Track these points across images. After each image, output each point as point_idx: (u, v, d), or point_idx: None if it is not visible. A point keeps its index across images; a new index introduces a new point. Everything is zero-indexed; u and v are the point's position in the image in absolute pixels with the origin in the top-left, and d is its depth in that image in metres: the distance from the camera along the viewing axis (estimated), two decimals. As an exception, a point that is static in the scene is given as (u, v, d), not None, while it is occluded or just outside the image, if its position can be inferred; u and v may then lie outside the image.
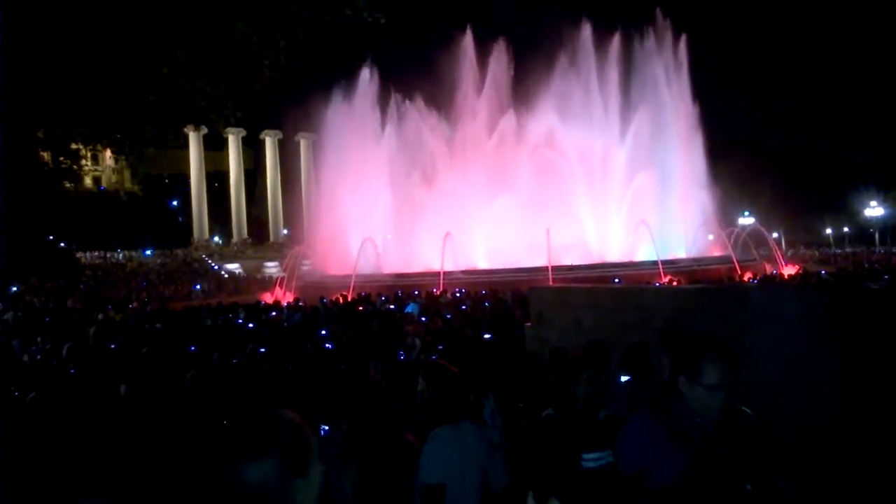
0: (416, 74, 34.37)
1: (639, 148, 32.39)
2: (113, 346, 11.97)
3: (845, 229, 66.43)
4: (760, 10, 53.58)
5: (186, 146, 62.56)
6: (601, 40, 34.07)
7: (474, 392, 4.37)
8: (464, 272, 26.45)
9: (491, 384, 4.81)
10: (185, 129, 60.56)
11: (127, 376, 7.44)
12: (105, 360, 9.55)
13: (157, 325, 15.05)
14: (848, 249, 54.99)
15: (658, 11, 34.18)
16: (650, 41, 34.12)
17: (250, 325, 14.06)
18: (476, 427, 3.59)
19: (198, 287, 39.18)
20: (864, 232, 64.47)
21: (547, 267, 24.76)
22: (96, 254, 54.90)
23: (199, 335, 12.46)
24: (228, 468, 1.58)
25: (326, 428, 6.46)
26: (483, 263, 28.19)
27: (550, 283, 21.01)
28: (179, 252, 56.88)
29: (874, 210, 57.64)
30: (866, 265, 29.12)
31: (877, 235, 62.86)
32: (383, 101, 36.06)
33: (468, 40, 34.50)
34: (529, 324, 9.27)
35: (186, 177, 63.89)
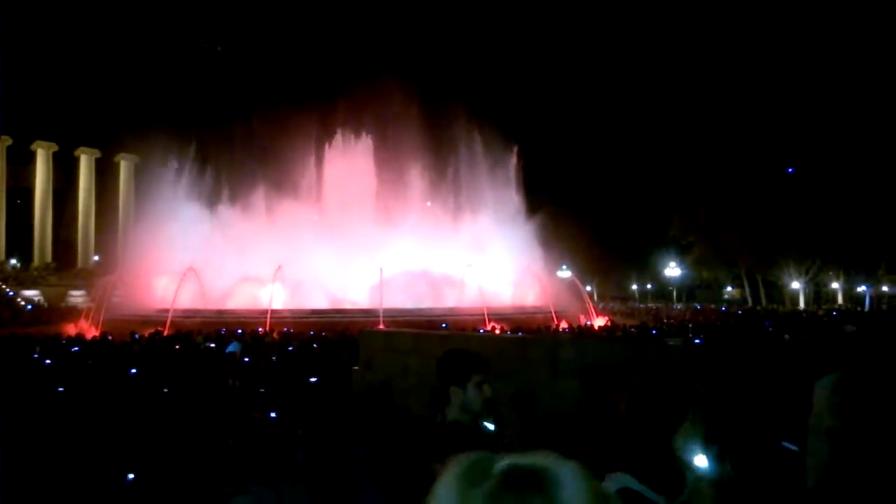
0: (255, 103, 33.90)
1: (469, 207, 34.48)
2: None
3: (649, 286, 73.25)
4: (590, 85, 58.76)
5: (-15, 157, 56.30)
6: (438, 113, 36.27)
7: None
8: (292, 311, 25.80)
9: None
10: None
11: None
12: None
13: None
14: (651, 305, 60.42)
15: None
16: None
17: (47, 360, 12.71)
18: (297, 491, 3.30)
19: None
20: (664, 289, 71.39)
21: (378, 309, 24.83)
22: None
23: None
24: None
25: (132, 476, 5.99)
26: (313, 303, 27.67)
27: (381, 325, 21.09)
28: (-33, 274, 50.48)
29: (673, 270, 64.02)
30: (664, 320, 32.09)
31: (674, 293, 69.82)
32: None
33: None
34: (357, 367, 9.22)
35: (-18, 191, 57.25)
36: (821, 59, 49.16)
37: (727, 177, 53.21)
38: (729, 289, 72.40)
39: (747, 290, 63.30)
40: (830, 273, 59.08)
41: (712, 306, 54.92)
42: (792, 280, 58.13)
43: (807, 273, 56.83)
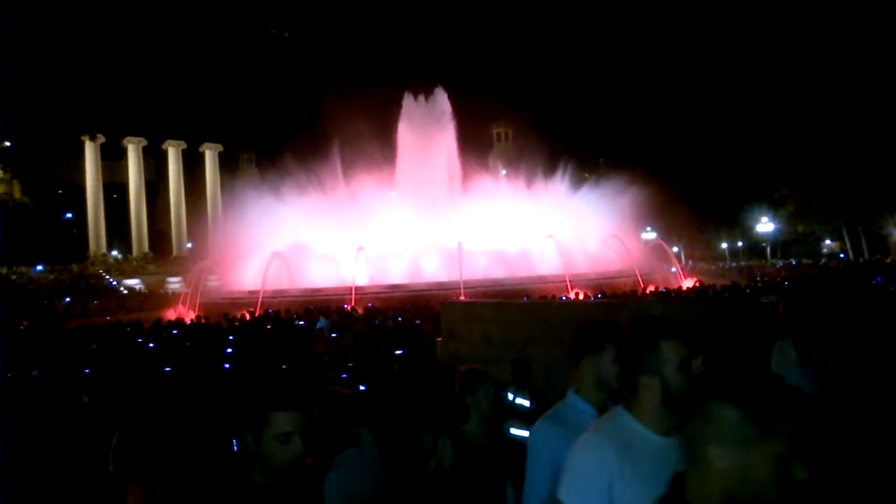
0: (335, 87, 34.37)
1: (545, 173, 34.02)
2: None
3: (739, 243, 70.44)
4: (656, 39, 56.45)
5: (82, 156, 59.55)
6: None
7: None
8: (375, 287, 26.27)
9: None
10: (81, 138, 57.80)
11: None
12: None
13: (48, 345, 14.14)
14: (742, 263, 58.21)
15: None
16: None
17: (151, 344, 13.44)
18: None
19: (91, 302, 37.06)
20: (756, 246, 68.54)
21: (458, 281, 24.95)
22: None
23: (94, 356, 11.80)
24: None
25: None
26: (395, 278, 28.08)
27: (462, 297, 21.20)
28: (74, 267, 53.83)
29: (765, 225, 61.33)
30: (758, 278, 30.81)
31: (768, 249, 66.94)
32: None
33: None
34: (440, 339, 9.30)
35: (82, 188, 60.72)
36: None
37: (820, 123, 50.28)
38: (828, 242, 68.73)
39: (847, 242, 59.93)
40: (940, 220, 55.22)
41: (808, 261, 52.38)
42: (896, 230, 54.72)
43: (913, 221, 53.36)
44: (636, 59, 57.02)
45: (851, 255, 57.19)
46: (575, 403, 2.82)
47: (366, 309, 20.16)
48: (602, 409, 2.72)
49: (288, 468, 2.17)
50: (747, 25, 55.73)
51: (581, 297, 21.48)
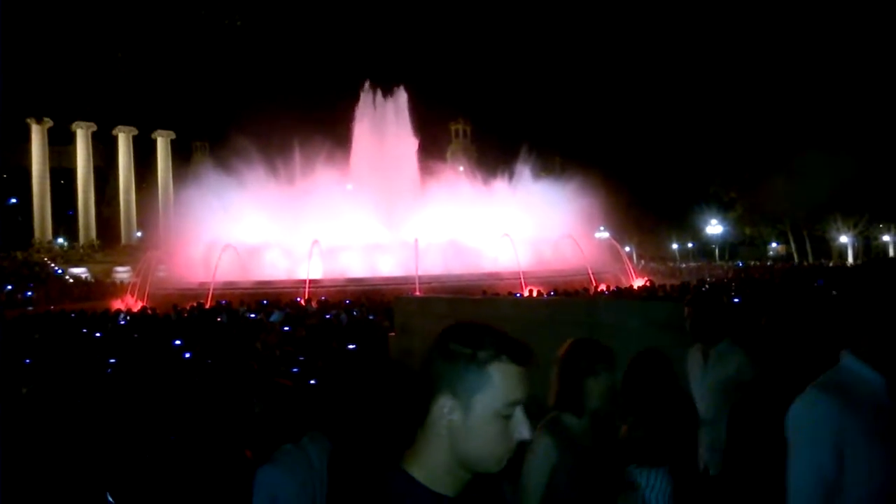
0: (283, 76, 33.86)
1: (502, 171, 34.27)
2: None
3: (690, 245, 72.08)
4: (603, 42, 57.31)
5: (28, 139, 57.52)
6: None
7: None
8: (329, 280, 26.06)
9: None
10: (28, 121, 55.96)
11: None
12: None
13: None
14: (692, 264, 59.51)
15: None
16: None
17: (97, 334, 13.09)
18: (323, 449, 3.35)
19: (28, 294, 35.92)
20: (706, 247, 70.19)
21: (414, 276, 24.92)
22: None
23: (35, 346, 11.44)
24: None
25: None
26: (350, 272, 27.90)
27: (417, 291, 21.20)
28: (18, 254, 52.05)
29: (714, 228, 62.81)
30: (707, 279, 31.53)
31: (716, 251, 68.61)
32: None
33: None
34: (393, 333, 9.29)
35: (28, 172, 58.66)
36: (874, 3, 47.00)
37: (769, 129, 51.70)
38: (774, 245, 70.81)
39: (793, 245, 61.81)
40: (881, 225, 57.29)
41: (753, 263, 53.82)
42: (840, 234, 56.54)
43: (855, 226, 55.20)
44: (593, 61, 57.80)
45: (796, 259, 59.01)
46: (854, 368, 2.13)
47: (319, 302, 19.98)
48: (892, 379, 2.08)
49: (500, 464, 1.41)
50: (700, 32, 56.93)
51: (535, 293, 21.66)
